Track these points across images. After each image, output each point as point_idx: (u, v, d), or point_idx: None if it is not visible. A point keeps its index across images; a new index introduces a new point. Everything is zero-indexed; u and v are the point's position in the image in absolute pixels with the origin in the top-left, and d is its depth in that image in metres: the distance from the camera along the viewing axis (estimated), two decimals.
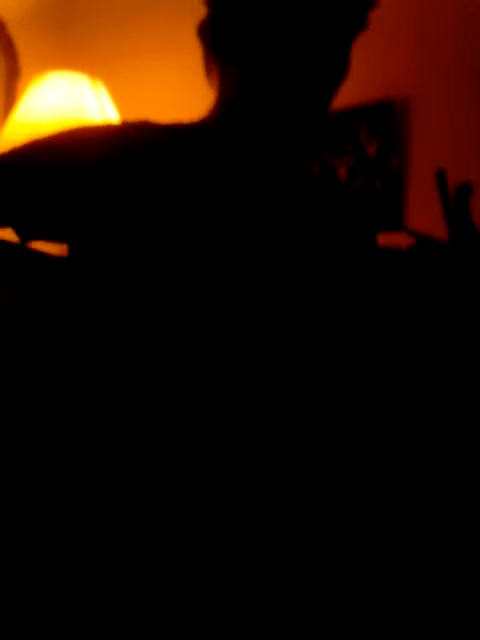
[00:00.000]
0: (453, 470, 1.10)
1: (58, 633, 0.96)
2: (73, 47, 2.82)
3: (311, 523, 1.03)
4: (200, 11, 1.23)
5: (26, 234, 1.16)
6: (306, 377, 1.11)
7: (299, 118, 1.15)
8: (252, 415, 1.07)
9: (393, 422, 1.14)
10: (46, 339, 1.11)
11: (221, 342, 1.08)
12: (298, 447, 1.08)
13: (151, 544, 0.98)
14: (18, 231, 1.16)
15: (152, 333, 1.07)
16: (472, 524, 1.07)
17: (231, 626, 0.95)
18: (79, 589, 0.97)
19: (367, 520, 1.06)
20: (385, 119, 2.22)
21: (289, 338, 1.12)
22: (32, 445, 1.06)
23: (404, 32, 2.24)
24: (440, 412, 1.13)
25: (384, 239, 1.29)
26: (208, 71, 1.23)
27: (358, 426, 1.14)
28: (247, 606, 0.95)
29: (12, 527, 1.02)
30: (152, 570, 0.97)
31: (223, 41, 1.17)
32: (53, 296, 1.14)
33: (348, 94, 2.28)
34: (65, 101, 2.28)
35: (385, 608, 1.00)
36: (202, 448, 1.04)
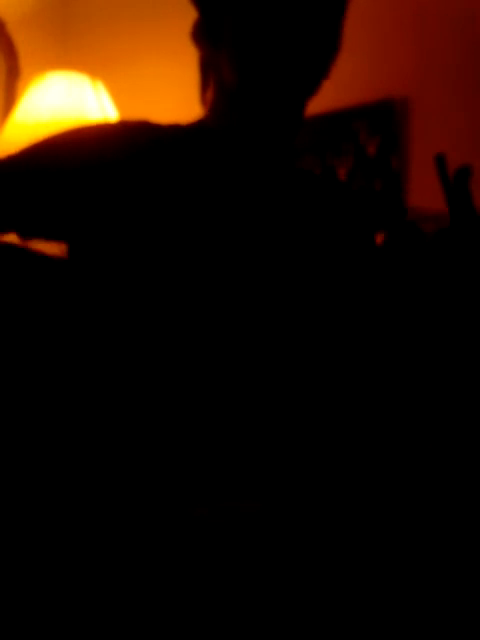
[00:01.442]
0: (453, 467, 1.10)
1: (60, 633, 0.96)
2: (73, 47, 2.82)
3: (316, 523, 1.03)
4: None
5: (26, 233, 1.16)
6: (308, 374, 1.12)
7: (296, 95, 1.15)
8: (256, 413, 1.07)
9: (395, 417, 1.14)
10: (47, 339, 1.11)
11: (223, 340, 1.08)
12: (302, 446, 1.08)
13: (156, 544, 0.98)
14: (18, 231, 1.16)
15: (155, 332, 1.07)
16: (472, 524, 1.07)
17: (236, 625, 0.95)
18: (83, 588, 0.97)
19: (371, 519, 1.06)
20: (385, 119, 2.23)
21: (290, 336, 1.12)
22: (34, 444, 1.06)
23: (404, 32, 2.24)
24: (442, 406, 1.13)
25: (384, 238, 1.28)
26: (203, 87, 1.23)
27: (361, 423, 1.14)
28: (252, 606, 0.95)
29: (13, 526, 1.02)
30: (157, 570, 0.97)
31: (215, 28, 1.17)
32: (54, 296, 1.14)
33: (348, 94, 2.29)
34: (65, 101, 2.28)
35: (389, 609, 1.00)
36: (206, 448, 1.04)
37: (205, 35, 1.19)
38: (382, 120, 2.23)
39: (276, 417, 1.08)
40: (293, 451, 1.08)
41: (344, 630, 0.97)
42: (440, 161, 1.13)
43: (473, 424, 1.12)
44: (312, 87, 1.17)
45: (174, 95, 2.44)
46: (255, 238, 1.14)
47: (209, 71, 1.22)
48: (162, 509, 1.00)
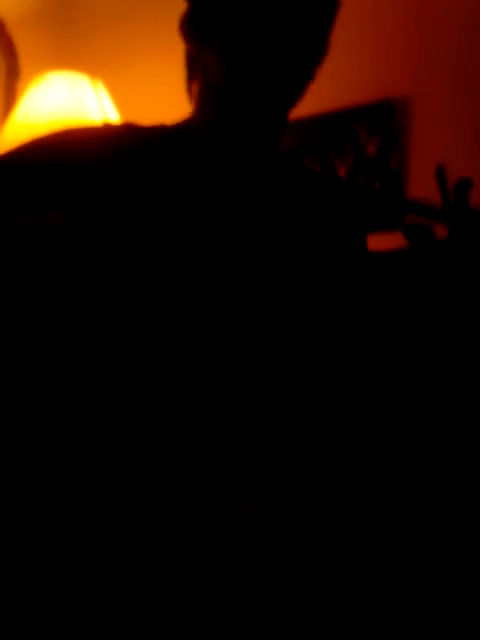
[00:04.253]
0: (453, 468, 1.10)
1: (59, 633, 0.96)
2: (73, 47, 2.82)
3: (315, 522, 1.03)
4: None
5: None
6: (304, 373, 1.12)
7: (283, 95, 1.15)
8: (254, 413, 1.07)
9: (393, 419, 1.14)
10: (45, 341, 1.11)
11: (219, 339, 1.08)
12: (300, 446, 1.08)
13: (154, 544, 0.98)
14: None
15: (150, 333, 1.07)
16: (472, 524, 1.07)
17: (235, 626, 0.95)
18: (81, 589, 0.98)
19: (370, 518, 1.06)
20: (385, 119, 2.23)
21: (286, 335, 1.12)
22: (33, 444, 1.06)
23: (404, 32, 2.24)
24: (440, 408, 1.13)
25: (384, 238, 1.28)
26: (189, 80, 1.23)
27: (359, 423, 1.14)
28: (251, 606, 0.95)
29: (13, 527, 1.02)
30: (156, 570, 0.97)
31: (205, 25, 1.16)
32: (46, 296, 1.13)
33: (348, 94, 2.29)
34: (65, 101, 2.28)
35: (387, 610, 1.00)
36: (204, 447, 1.04)
37: (193, 29, 1.19)
38: (382, 120, 2.23)
39: (273, 414, 1.08)
40: (301, 451, 1.08)
41: (350, 631, 0.97)
42: (440, 173, 1.13)
43: (473, 424, 1.12)
44: (299, 88, 1.17)
45: (174, 95, 2.44)
46: (241, 238, 1.14)
47: (195, 65, 1.21)
48: (166, 506, 1.00)
